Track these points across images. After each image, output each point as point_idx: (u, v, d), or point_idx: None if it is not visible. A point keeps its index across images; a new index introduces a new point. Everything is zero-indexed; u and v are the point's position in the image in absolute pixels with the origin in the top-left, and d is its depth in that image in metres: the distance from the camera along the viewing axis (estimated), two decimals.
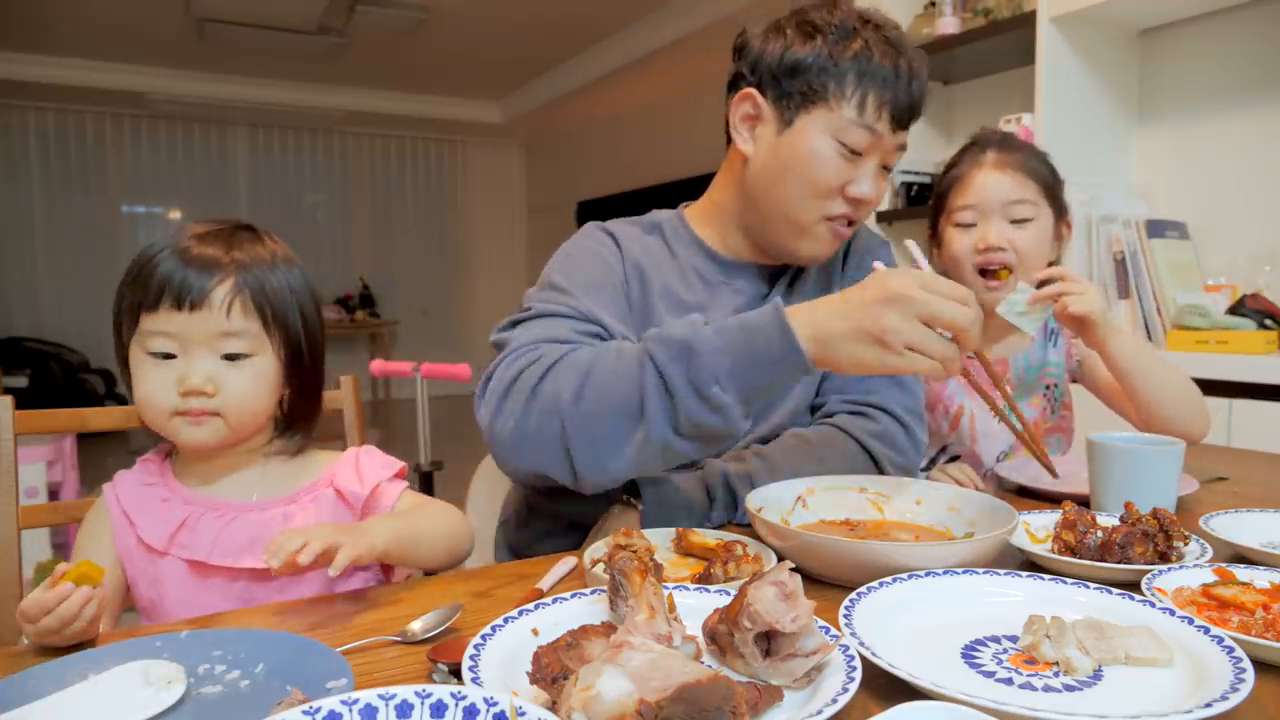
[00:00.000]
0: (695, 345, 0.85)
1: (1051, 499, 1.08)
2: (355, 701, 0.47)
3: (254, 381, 0.90)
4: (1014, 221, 1.32)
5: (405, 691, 0.48)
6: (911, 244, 1.05)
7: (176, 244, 0.88)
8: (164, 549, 0.90)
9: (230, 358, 0.89)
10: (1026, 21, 2.32)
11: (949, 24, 2.58)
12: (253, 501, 0.94)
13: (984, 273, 1.34)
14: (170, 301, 0.86)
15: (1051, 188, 1.36)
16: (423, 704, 0.48)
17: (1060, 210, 1.38)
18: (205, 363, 0.88)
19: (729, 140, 1.14)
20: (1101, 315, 1.22)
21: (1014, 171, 1.33)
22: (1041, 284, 1.26)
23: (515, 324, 1.03)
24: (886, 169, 1.10)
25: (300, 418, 0.98)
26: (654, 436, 0.86)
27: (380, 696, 0.48)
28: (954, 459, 1.36)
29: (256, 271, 0.90)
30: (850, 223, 1.11)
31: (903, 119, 1.06)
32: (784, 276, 1.19)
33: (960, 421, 1.40)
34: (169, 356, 0.87)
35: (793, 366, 0.84)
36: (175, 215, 7.63)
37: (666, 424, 0.86)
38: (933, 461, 1.37)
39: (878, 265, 0.91)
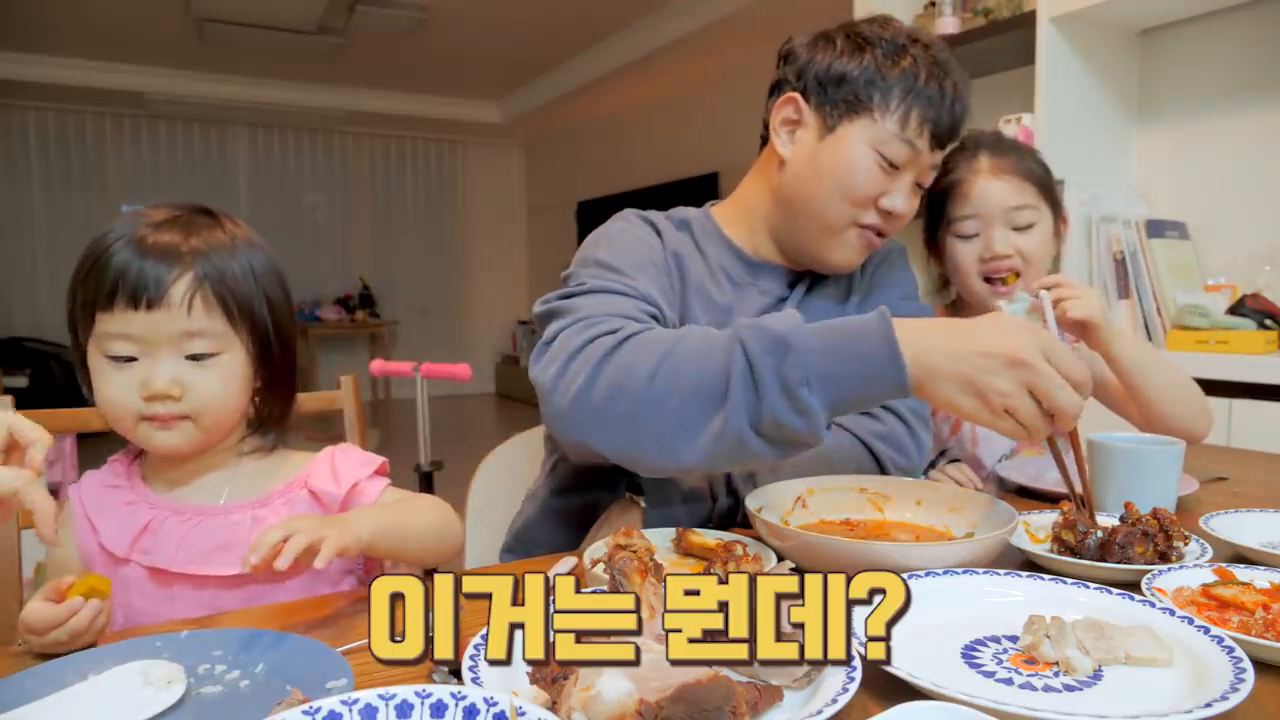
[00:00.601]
0: (792, 341, 0.79)
1: (1051, 499, 1.08)
2: (355, 701, 0.47)
3: (223, 381, 0.85)
4: (1017, 228, 1.32)
5: (405, 691, 0.48)
6: (1045, 295, 1.06)
7: (131, 233, 0.83)
8: (125, 555, 0.85)
9: (195, 358, 0.83)
10: (1026, 21, 2.32)
11: (949, 24, 2.58)
12: (220, 504, 0.89)
13: (989, 279, 1.33)
14: (126, 300, 0.80)
15: (1047, 186, 1.35)
16: (423, 704, 0.48)
17: (1057, 206, 1.37)
18: (168, 365, 0.82)
19: (763, 143, 1.15)
20: (1102, 318, 1.22)
21: (1010, 176, 1.32)
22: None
23: (567, 297, 0.98)
24: (920, 186, 1.10)
25: (274, 412, 0.93)
26: (730, 429, 0.80)
27: (380, 696, 0.48)
28: (953, 462, 1.36)
29: (216, 259, 0.84)
30: (880, 235, 1.11)
31: (942, 139, 1.07)
32: (805, 277, 1.19)
33: (961, 426, 1.40)
34: (130, 359, 0.82)
35: (894, 385, 0.78)
36: None
37: (746, 418, 0.80)
38: (932, 465, 1.37)
39: (1001, 306, 0.89)
